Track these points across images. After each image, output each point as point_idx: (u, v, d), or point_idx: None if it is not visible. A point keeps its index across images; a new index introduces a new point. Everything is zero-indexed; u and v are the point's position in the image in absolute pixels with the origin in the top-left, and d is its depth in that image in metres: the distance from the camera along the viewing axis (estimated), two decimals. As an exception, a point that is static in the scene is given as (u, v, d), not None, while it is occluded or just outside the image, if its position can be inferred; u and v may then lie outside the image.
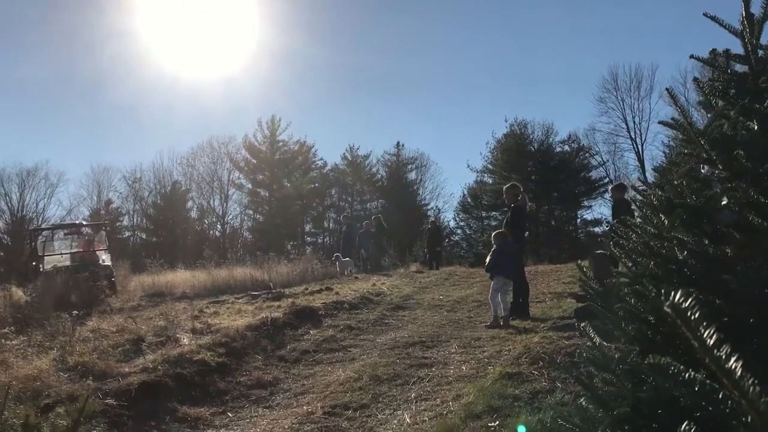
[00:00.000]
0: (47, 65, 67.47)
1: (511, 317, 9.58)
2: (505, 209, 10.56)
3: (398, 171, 51.84)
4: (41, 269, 16.87)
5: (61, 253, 18.44)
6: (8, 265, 39.69)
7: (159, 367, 7.43)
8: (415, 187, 51.83)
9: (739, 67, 2.56)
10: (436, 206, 50.83)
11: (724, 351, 0.75)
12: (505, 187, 10.89)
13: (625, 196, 11.15)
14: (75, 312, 10.42)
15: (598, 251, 8.02)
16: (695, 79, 2.57)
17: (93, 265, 16.98)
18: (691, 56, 2.63)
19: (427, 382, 7.00)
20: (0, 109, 63.82)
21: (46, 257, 17.81)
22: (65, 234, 21.09)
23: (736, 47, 2.52)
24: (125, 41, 70.58)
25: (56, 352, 8.03)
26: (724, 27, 2.42)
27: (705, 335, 0.74)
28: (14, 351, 8.13)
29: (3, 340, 8.66)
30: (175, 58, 69.78)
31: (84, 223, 24.39)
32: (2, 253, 47.24)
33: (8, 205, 48.29)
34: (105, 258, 18.43)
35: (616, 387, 2.27)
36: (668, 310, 0.78)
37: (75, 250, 18.91)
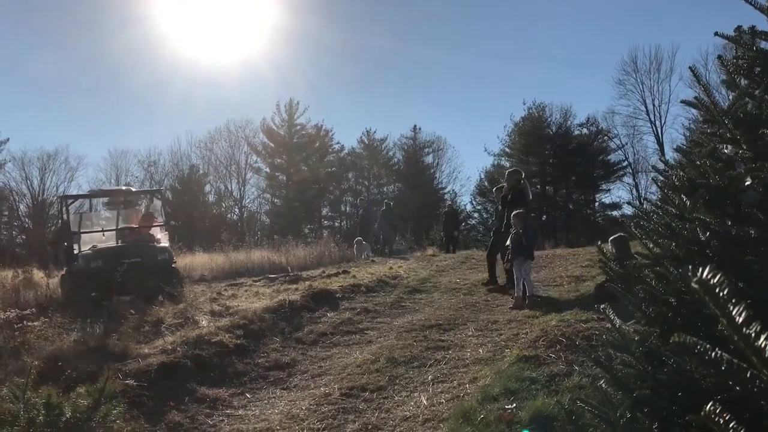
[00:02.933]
0: (66, 51, 67.90)
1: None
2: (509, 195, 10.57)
3: (415, 155, 51.74)
4: (76, 251, 12.74)
5: (104, 230, 14.12)
6: (30, 248, 40.15)
7: (178, 349, 7.50)
8: (432, 171, 51.76)
9: (765, 45, 2.51)
10: (453, 190, 50.79)
11: (754, 329, 0.73)
12: (507, 172, 10.85)
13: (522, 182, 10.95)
14: (93, 294, 10.55)
15: (619, 234, 7.93)
16: (719, 57, 2.51)
17: (148, 248, 12.91)
18: (716, 33, 2.57)
19: (444, 364, 7.01)
20: (21, 94, 64.36)
21: (82, 234, 13.24)
22: (107, 204, 16.23)
23: (762, 24, 2.46)
24: (143, 26, 70.76)
25: (77, 334, 8.13)
26: (750, 3, 2.36)
27: (734, 312, 0.72)
28: (36, 332, 8.23)
29: (25, 322, 8.76)
30: (193, 42, 69.80)
31: (133, 189, 17.56)
32: (24, 237, 47.84)
33: (29, 189, 48.83)
34: (161, 237, 13.87)
35: (635, 369, 2.25)
36: (696, 286, 0.76)
37: (123, 225, 14.39)
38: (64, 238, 13.59)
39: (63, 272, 13.23)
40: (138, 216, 14.35)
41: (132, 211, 14.96)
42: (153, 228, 13.89)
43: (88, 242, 13.27)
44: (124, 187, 18.06)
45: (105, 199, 16.57)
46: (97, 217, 15.70)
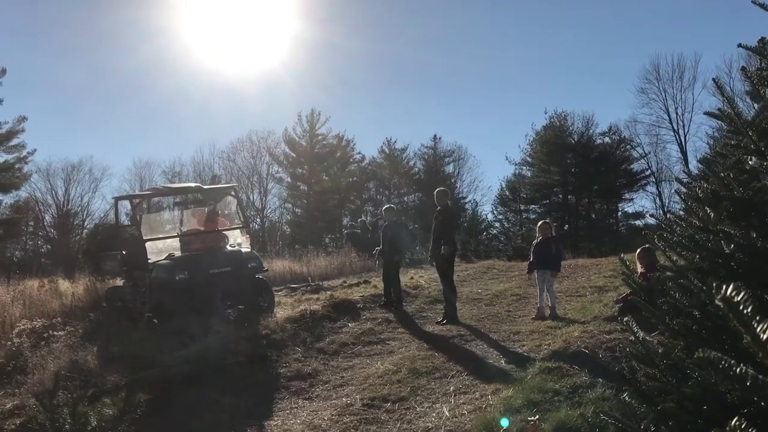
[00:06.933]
0: (90, 63, 68.73)
1: (443, 322, 9.85)
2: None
3: (435, 164, 51.65)
4: (147, 260, 10.39)
5: (181, 234, 11.41)
6: (55, 258, 40.67)
7: (201, 358, 7.56)
8: (453, 181, 51.55)
9: (790, 56, 2.49)
10: (474, 199, 50.56)
11: (779, 345, 0.73)
12: (436, 191, 10.78)
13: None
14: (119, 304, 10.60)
15: (646, 245, 7.84)
16: (743, 69, 2.50)
17: (236, 255, 10.91)
18: (740, 45, 2.56)
19: (466, 375, 6.99)
20: (46, 106, 65.27)
21: (147, 242, 10.69)
22: (177, 203, 13.56)
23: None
24: (165, 38, 71.46)
25: (101, 343, 8.23)
26: (774, 14, 2.35)
27: (759, 329, 0.73)
28: (62, 341, 8.34)
29: (51, 331, 8.89)
30: (214, 53, 70.46)
31: (203, 186, 14.31)
32: (50, 247, 48.49)
33: (54, 200, 49.38)
34: (243, 241, 11.56)
35: (659, 382, 2.23)
36: (720, 303, 0.77)
37: (191, 228, 11.82)
38: (114, 244, 11.73)
39: (117, 285, 11.54)
40: (202, 217, 11.94)
41: (197, 211, 12.59)
42: (233, 230, 11.76)
43: (157, 250, 11.04)
44: (194, 185, 14.79)
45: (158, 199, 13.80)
46: (156, 220, 13.53)
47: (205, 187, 14.44)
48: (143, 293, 10.16)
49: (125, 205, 15.02)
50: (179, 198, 13.49)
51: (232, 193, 13.07)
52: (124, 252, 11.25)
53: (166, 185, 19.05)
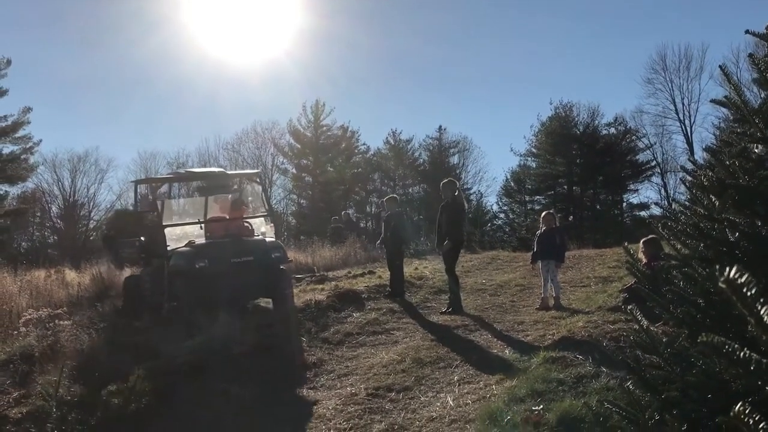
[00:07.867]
0: (95, 54, 68.88)
1: (448, 311, 9.87)
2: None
3: (440, 155, 51.58)
4: (166, 246, 9.94)
5: (203, 221, 10.76)
6: (62, 248, 40.84)
7: (206, 348, 7.58)
8: (458, 172, 51.47)
9: (797, 43, 2.47)
10: (479, 191, 50.54)
11: (783, 328, 0.72)
12: (443, 183, 10.57)
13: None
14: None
15: (651, 236, 7.81)
16: (750, 55, 2.48)
17: (259, 244, 10.32)
18: (747, 31, 2.54)
19: (470, 365, 6.99)
20: (51, 97, 65.43)
21: (166, 228, 10.22)
22: (199, 189, 12.90)
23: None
24: (170, 29, 71.47)
25: (107, 333, 8.26)
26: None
27: (763, 311, 0.72)
28: (67, 331, 8.37)
29: (57, 321, 8.92)
30: (219, 44, 70.43)
31: (227, 172, 13.98)
32: (56, 237, 48.71)
33: (61, 191, 49.63)
34: (267, 230, 11.13)
35: (664, 371, 2.23)
36: (723, 285, 0.76)
37: (215, 215, 11.22)
38: (133, 230, 11.35)
39: (133, 273, 11.41)
40: (225, 204, 11.40)
41: (220, 198, 11.93)
42: (256, 218, 11.22)
43: (176, 237, 10.46)
44: (217, 170, 13.70)
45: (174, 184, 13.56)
46: (177, 206, 13.10)
47: (229, 172, 13.91)
48: (161, 282, 9.85)
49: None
50: (201, 184, 12.75)
51: (257, 179, 12.66)
52: (143, 238, 10.93)
53: (188, 170, 18.18)
